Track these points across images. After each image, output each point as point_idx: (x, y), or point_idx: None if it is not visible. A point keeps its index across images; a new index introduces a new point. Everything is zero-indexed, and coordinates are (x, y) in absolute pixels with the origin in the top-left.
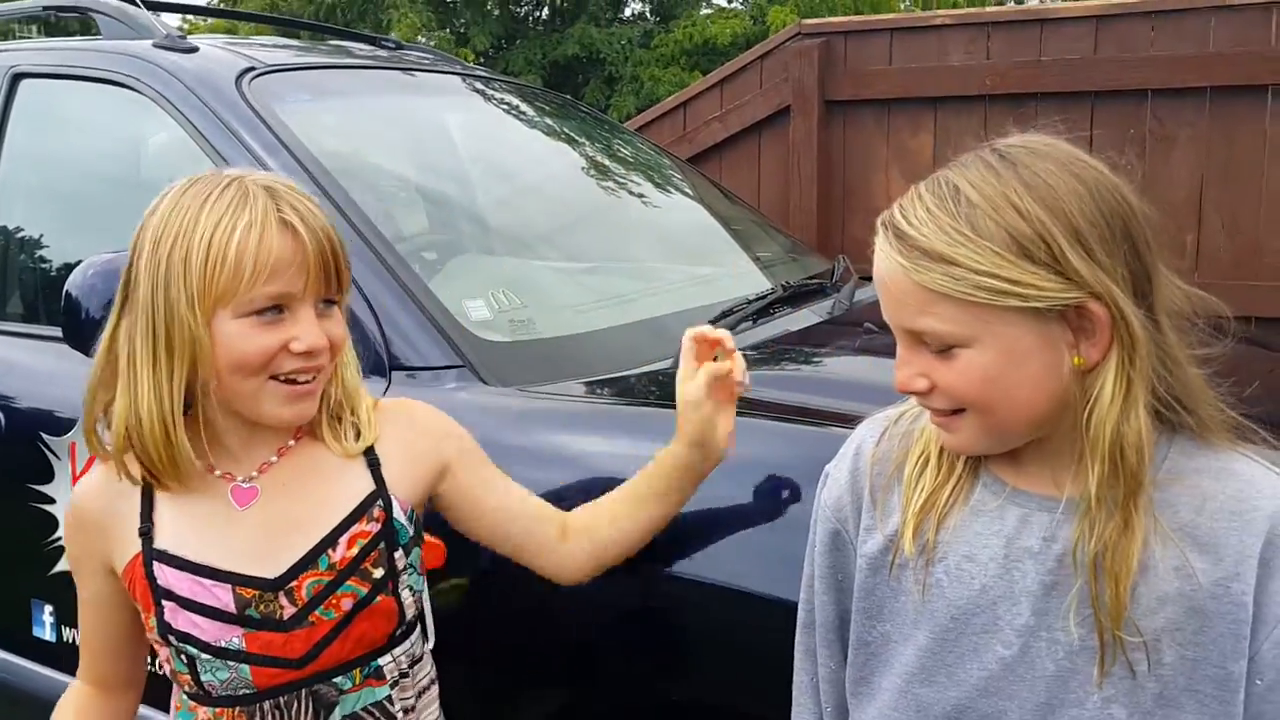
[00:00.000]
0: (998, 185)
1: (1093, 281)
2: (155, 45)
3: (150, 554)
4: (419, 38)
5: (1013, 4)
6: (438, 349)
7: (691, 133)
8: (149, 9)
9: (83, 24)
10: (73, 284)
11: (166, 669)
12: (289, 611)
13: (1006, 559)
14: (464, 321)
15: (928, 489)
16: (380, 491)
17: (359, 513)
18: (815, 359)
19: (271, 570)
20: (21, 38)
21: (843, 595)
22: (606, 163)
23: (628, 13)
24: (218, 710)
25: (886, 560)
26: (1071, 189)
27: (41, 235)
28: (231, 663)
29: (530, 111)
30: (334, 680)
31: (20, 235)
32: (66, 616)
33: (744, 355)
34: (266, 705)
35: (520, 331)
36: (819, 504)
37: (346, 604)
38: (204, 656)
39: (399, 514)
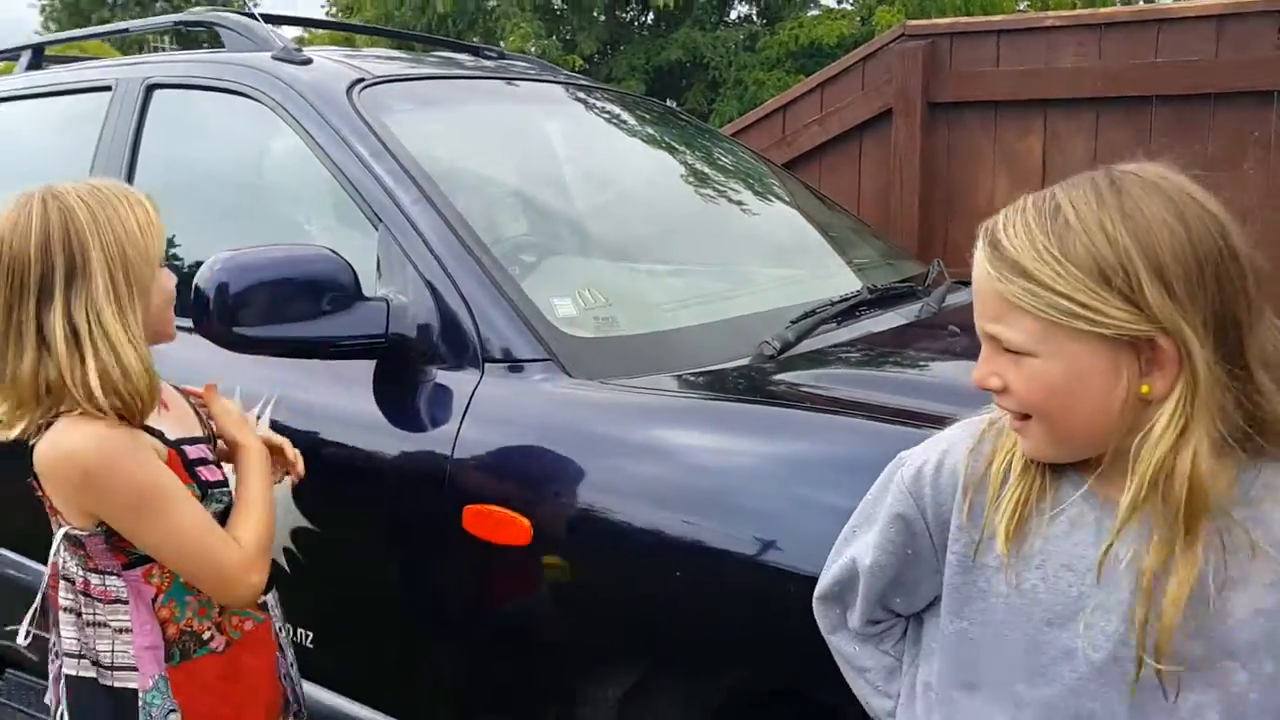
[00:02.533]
0: (1096, 211)
1: (1165, 318)
2: (274, 57)
3: (174, 447)
4: (529, 46)
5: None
6: (526, 343)
7: (790, 136)
8: (268, 22)
9: (211, 35)
10: (201, 279)
11: None
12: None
13: (1103, 570)
14: (551, 318)
15: (1020, 495)
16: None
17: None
18: (897, 360)
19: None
20: (156, 48)
21: (905, 559)
22: (701, 168)
23: (733, 15)
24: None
25: (977, 561)
26: (1168, 225)
27: (172, 235)
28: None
29: (628, 118)
30: None
31: None
32: None
33: (823, 355)
34: None
35: (604, 328)
36: (895, 484)
37: None
38: (212, 488)
39: None
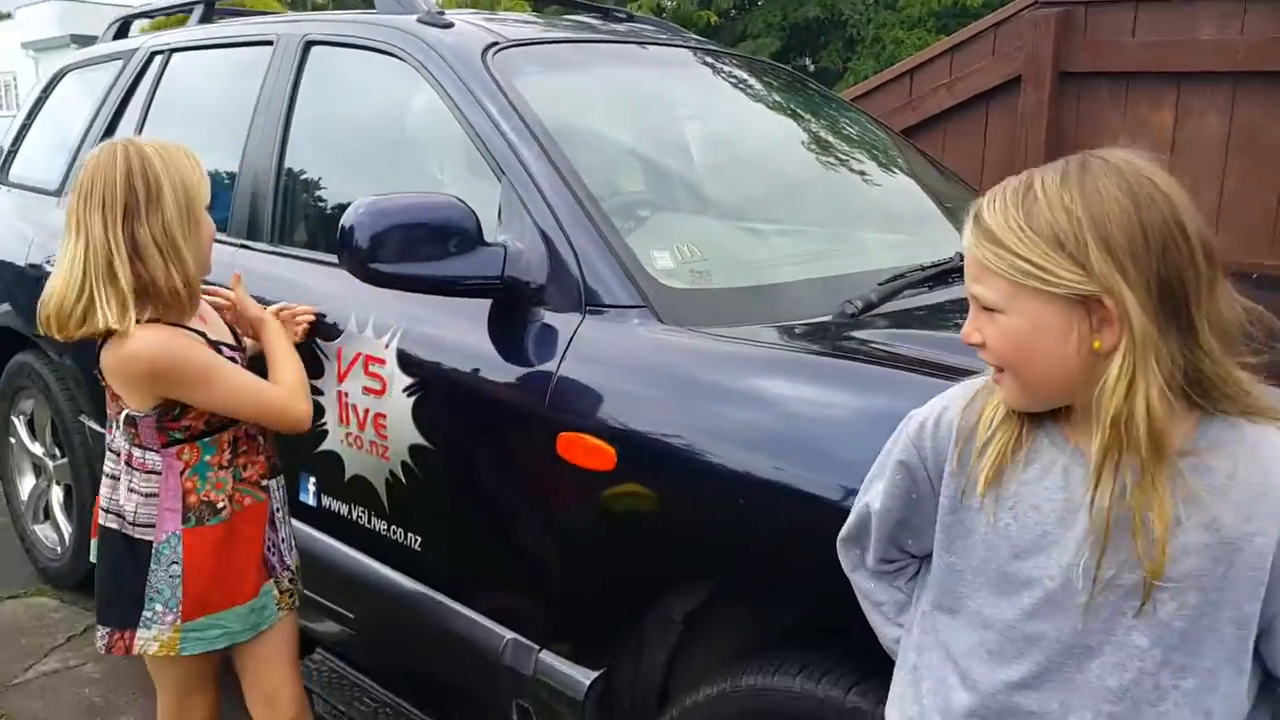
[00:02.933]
0: (1059, 189)
1: (1108, 280)
2: (419, 20)
3: (213, 344)
4: (662, 3)
5: None
6: (624, 290)
7: (917, 100)
8: None
9: None
10: (347, 219)
11: (201, 426)
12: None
13: (1065, 510)
14: (650, 269)
15: (1001, 444)
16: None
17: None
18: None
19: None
20: (317, 5)
21: (907, 504)
22: (817, 132)
23: None
24: (238, 429)
25: (963, 503)
26: (1119, 202)
27: (321, 178)
28: None
29: (749, 82)
30: None
31: (305, 177)
32: (325, 487)
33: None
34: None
35: (698, 280)
36: (902, 436)
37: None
38: None
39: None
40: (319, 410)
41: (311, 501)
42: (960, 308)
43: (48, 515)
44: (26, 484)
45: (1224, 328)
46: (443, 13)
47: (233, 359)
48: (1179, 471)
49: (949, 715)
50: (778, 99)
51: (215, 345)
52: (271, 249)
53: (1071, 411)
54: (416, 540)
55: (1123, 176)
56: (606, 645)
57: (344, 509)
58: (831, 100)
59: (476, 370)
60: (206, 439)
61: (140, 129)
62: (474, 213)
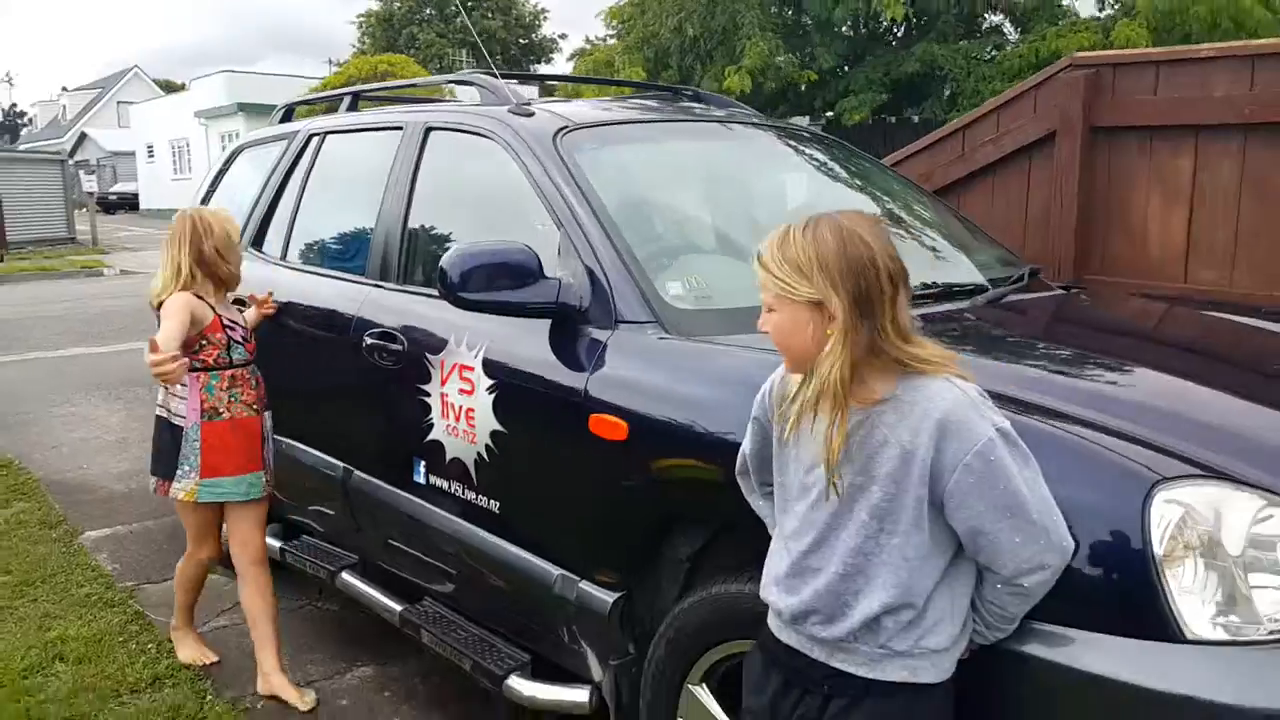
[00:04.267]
0: (801, 235)
1: (825, 293)
2: (509, 111)
3: (217, 314)
4: (766, 64)
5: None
6: (644, 311)
7: (968, 153)
8: (506, 78)
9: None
10: (444, 261)
11: (211, 354)
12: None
13: (825, 444)
14: (664, 295)
15: (798, 406)
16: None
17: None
18: None
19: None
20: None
21: (762, 445)
22: (827, 185)
23: (985, 25)
24: (235, 370)
25: (783, 442)
26: (830, 244)
27: (432, 230)
28: (237, 351)
29: (775, 147)
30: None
31: (424, 232)
32: (431, 468)
33: None
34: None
35: (700, 303)
36: (755, 401)
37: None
38: (236, 343)
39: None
40: (427, 409)
41: (422, 481)
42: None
43: None
44: None
45: (900, 325)
46: (529, 103)
47: (229, 326)
48: (881, 411)
49: (780, 572)
50: (798, 159)
51: (219, 314)
52: (397, 287)
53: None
54: (496, 505)
55: (838, 227)
56: (627, 576)
57: (445, 484)
58: (855, 156)
59: (539, 371)
60: (214, 372)
61: (301, 196)
62: (537, 255)
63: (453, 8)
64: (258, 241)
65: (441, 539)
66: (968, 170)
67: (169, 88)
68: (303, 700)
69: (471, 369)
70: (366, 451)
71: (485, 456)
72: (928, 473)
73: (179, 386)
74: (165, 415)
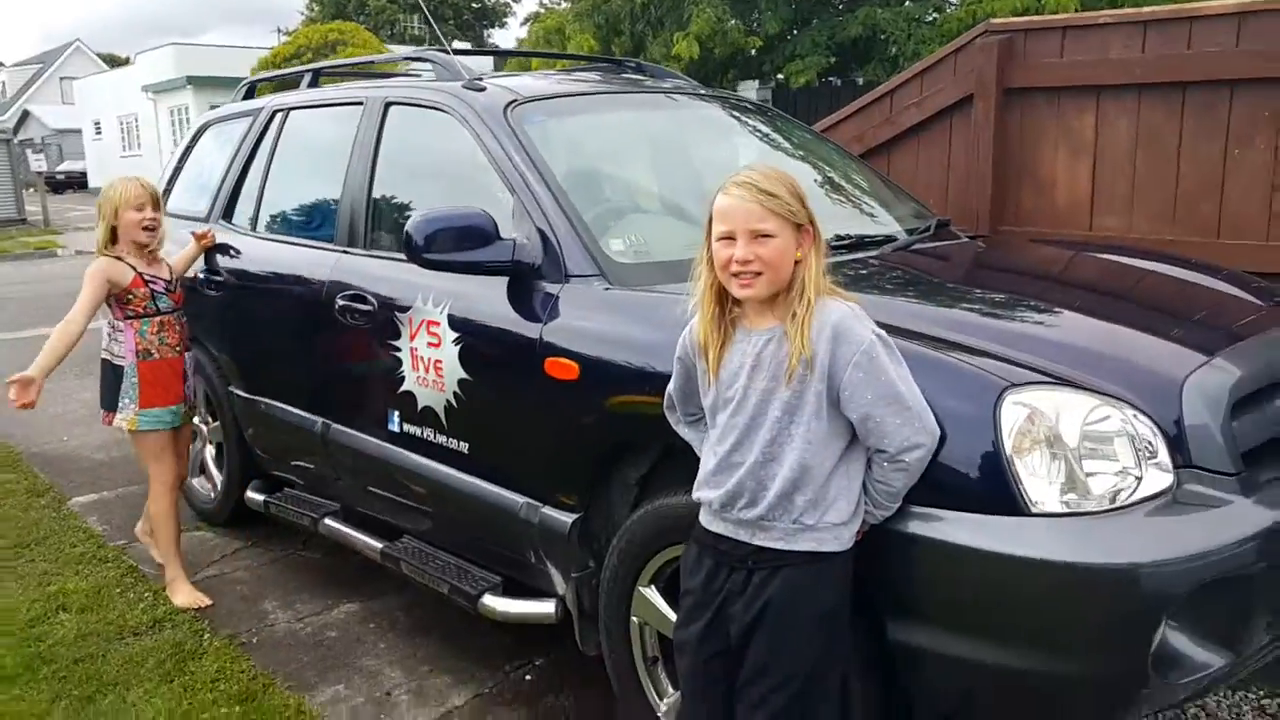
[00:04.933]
0: (778, 175)
1: (808, 215)
2: (463, 86)
3: (139, 275)
4: (714, 30)
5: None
6: (590, 266)
7: (894, 116)
8: (458, 55)
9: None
10: (409, 225)
11: (139, 305)
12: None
13: (741, 364)
14: (607, 251)
15: (715, 340)
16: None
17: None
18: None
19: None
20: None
21: (685, 381)
22: (758, 147)
23: None
24: (162, 317)
25: (706, 374)
26: (796, 182)
27: (395, 199)
28: (162, 300)
29: (711, 113)
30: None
31: (387, 201)
32: (405, 417)
33: None
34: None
35: (639, 257)
36: (678, 345)
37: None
38: (159, 294)
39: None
40: (398, 364)
41: (397, 429)
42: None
43: (202, 470)
44: None
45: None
46: (480, 78)
47: (150, 281)
48: (793, 320)
49: (709, 470)
50: (732, 124)
51: (141, 275)
52: (364, 252)
53: (750, 310)
54: (465, 446)
55: (777, 171)
56: (583, 500)
57: (418, 431)
58: (782, 121)
59: (498, 323)
60: (145, 319)
61: (268, 169)
62: (493, 219)
63: None
64: (228, 213)
65: (416, 480)
66: (895, 132)
67: (112, 61)
68: (204, 600)
69: (438, 324)
70: (343, 406)
71: (454, 403)
72: (825, 371)
73: (118, 333)
74: (109, 358)
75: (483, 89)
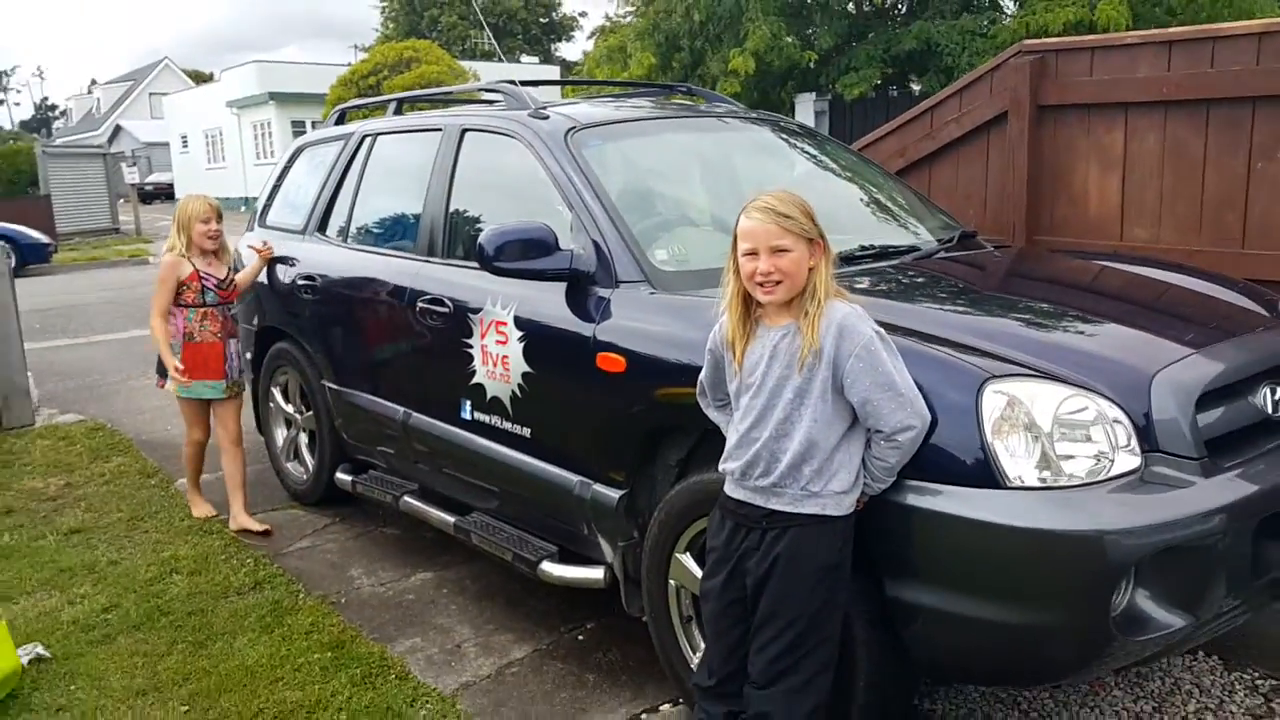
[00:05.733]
0: (791, 197)
1: (818, 231)
2: (529, 114)
3: (197, 270)
4: (770, 46)
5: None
6: (637, 273)
7: (935, 131)
8: (524, 85)
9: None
10: (481, 238)
11: (190, 296)
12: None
13: (761, 354)
14: (652, 260)
15: (740, 336)
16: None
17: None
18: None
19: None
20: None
21: (714, 371)
22: (798, 166)
23: (979, 2)
24: (207, 309)
25: (731, 365)
26: (807, 202)
27: (469, 214)
28: (209, 295)
29: (759, 135)
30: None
31: (462, 216)
32: (475, 406)
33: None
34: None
35: (680, 265)
36: (708, 339)
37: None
38: (208, 289)
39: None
40: (470, 359)
41: (468, 417)
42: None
43: (296, 455)
44: (280, 434)
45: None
46: (545, 108)
47: (205, 277)
48: (805, 319)
49: (731, 445)
50: (776, 144)
51: (198, 270)
52: (442, 261)
53: (770, 311)
54: (528, 431)
55: (790, 195)
56: (630, 478)
57: (487, 418)
58: (826, 141)
59: (557, 323)
60: (191, 309)
61: (358, 186)
62: (555, 232)
63: None
64: (322, 227)
65: (485, 462)
66: (936, 146)
67: (196, 77)
68: (260, 525)
69: (505, 324)
70: (422, 396)
71: (518, 393)
72: (831, 361)
73: (173, 317)
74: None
75: (546, 117)
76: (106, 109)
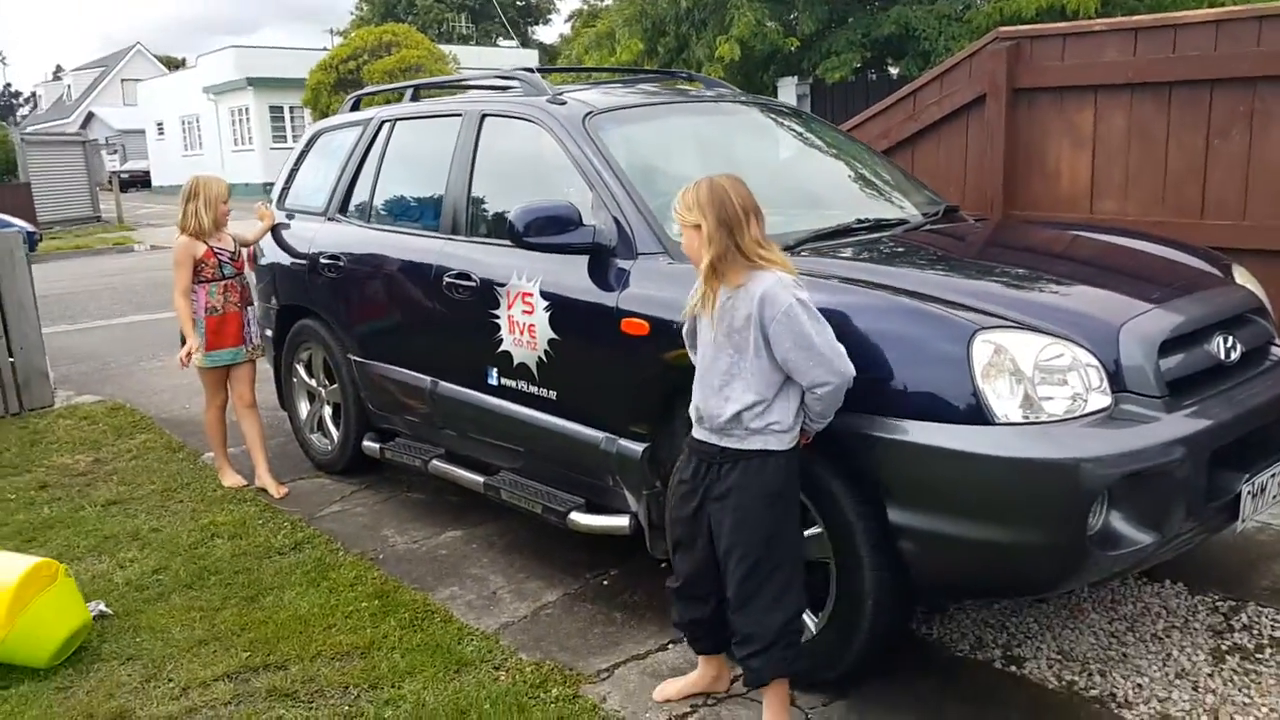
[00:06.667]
0: (691, 189)
1: (699, 218)
2: (547, 100)
3: (210, 248)
4: (754, 32)
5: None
6: (656, 245)
7: (918, 113)
8: (540, 73)
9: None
10: (511, 214)
11: (209, 273)
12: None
13: (716, 316)
14: (670, 234)
15: (702, 299)
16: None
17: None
18: (846, 255)
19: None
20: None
21: (692, 326)
22: (795, 147)
23: None
24: (226, 281)
25: (699, 327)
26: (703, 190)
27: (491, 194)
28: (227, 268)
29: (758, 118)
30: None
31: (485, 196)
32: (502, 372)
33: (812, 255)
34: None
35: None
36: (687, 303)
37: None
38: (224, 263)
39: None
40: (497, 329)
41: (495, 383)
42: (837, 248)
43: (319, 427)
44: (304, 407)
45: (753, 238)
46: (561, 93)
47: (219, 252)
48: (741, 289)
49: (694, 393)
50: (774, 126)
51: (211, 248)
52: (466, 238)
53: (724, 278)
54: (554, 394)
55: (708, 180)
56: (652, 432)
57: (513, 384)
58: (817, 123)
59: (581, 293)
60: (212, 284)
61: (379, 168)
62: (577, 209)
63: None
64: (343, 209)
65: (512, 424)
66: (919, 127)
67: (169, 63)
68: (279, 489)
69: (531, 295)
70: (449, 365)
71: (545, 359)
72: (759, 324)
73: (195, 294)
74: (193, 311)
75: (564, 103)
76: (78, 95)
